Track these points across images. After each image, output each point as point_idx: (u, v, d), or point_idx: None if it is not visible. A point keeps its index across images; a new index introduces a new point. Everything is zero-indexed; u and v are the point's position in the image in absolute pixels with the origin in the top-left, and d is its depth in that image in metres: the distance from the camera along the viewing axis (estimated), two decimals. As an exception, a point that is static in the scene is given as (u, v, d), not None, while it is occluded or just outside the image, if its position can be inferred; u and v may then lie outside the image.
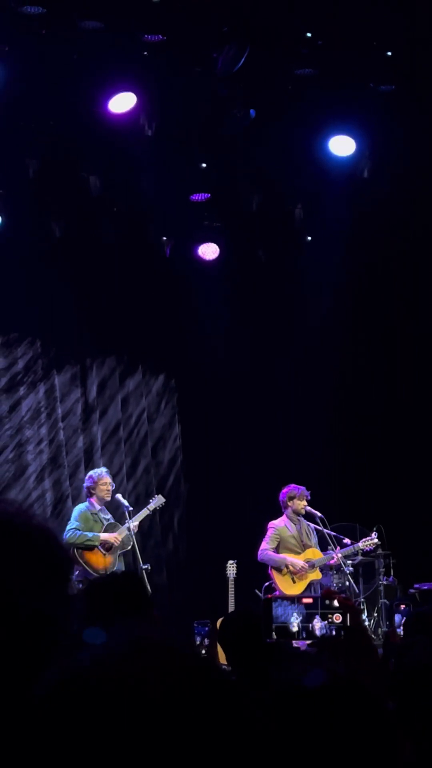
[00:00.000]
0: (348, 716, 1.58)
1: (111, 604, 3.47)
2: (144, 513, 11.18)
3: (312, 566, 11.21)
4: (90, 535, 10.47)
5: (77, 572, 10.55)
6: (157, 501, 11.32)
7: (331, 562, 11.32)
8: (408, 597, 11.73)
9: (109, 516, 10.80)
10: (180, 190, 12.53)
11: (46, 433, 13.22)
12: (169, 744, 1.05)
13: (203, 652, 4.96)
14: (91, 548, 10.47)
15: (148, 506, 11.26)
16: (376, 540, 11.62)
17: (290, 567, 11.12)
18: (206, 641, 5.08)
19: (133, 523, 10.77)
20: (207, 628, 5.25)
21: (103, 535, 10.49)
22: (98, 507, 10.72)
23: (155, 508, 11.35)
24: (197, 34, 10.15)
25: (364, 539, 11.59)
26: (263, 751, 1.10)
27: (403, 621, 5.34)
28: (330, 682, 1.65)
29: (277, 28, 10.16)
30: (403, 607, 5.09)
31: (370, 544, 11.57)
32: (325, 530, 11.26)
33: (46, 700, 1.10)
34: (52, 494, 13.12)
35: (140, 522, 11.04)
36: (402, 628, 5.35)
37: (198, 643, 5.14)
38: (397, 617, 5.04)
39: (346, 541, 11.45)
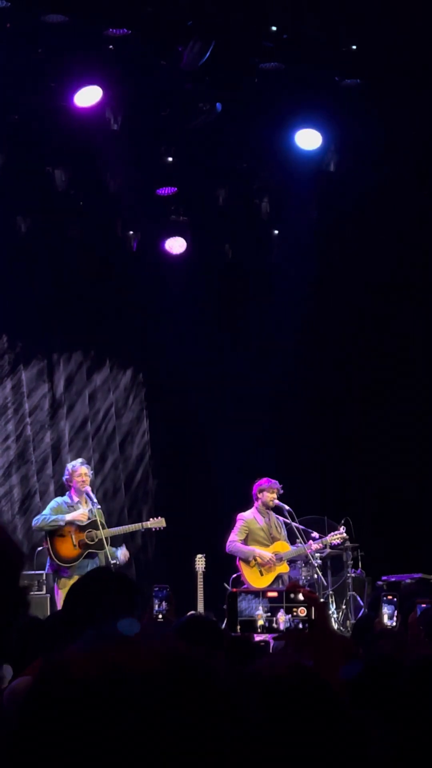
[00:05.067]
0: (305, 706, 1.59)
1: (96, 601, 3.45)
2: (136, 527, 11.17)
3: (280, 559, 11.23)
4: (55, 516, 10.44)
5: (48, 562, 10.54)
6: (157, 522, 11.18)
7: (309, 551, 11.33)
8: (377, 589, 11.78)
9: (89, 508, 10.65)
10: (146, 184, 12.50)
11: (13, 429, 13.16)
12: (154, 726, 1.07)
13: (161, 617, 4.97)
14: (61, 534, 10.41)
15: (145, 523, 11.19)
16: (344, 534, 11.67)
17: (258, 559, 11.14)
18: (164, 605, 5.07)
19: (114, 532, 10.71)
20: (165, 592, 5.24)
21: (69, 516, 10.45)
22: (76, 499, 10.65)
23: (152, 528, 11.25)
24: (162, 28, 10.13)
25: (332, 533, 11.62)
26: (240, 736, 1.12)
27: (394, 611, 5.33)
28: (290, 674, 1.66)
29: (242, 21, 10.16)
30: (390, 597, 5.08)
31: (338, 538, 11.61)
32: (293, 524, 11.28)
33: (31, 690, 1.12)
34: (19, 490, 13.07)
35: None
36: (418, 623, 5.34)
37: (156, 606, 5.12)
38: (389, 608, 5.03)
39: (315, 534, 11.48)
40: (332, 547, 11.75)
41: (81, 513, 10.45)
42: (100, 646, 1.13)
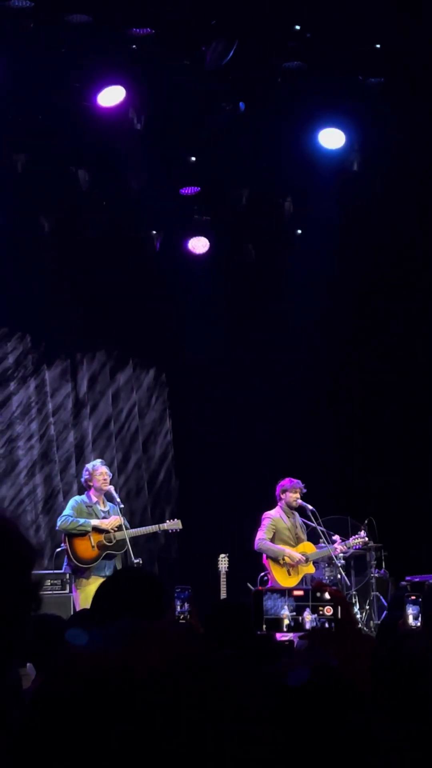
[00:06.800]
0: (328, 709, 1.58)
1: (123, 601, 3.43)
2: (153, 529, 11.18)
3: (307, 560, 11.24)
4: (82, 521, 10.43)
5: (66, 563, 10.55)
6: (173, 524, 11.19)
7: (335, 552, 11.34)
8: (400, 589, 11.72)
9: (107, 509, 10.67)
10: (169, 183, 12.50)
11: (36, 429, 13.20)
12: (159, 726, 1.06)
13: (183, 618, 4.95)
14: (83, 534, 10.41)
15: (161, 525, 11.19)
16: (365, 538, 11.66)
17: (287, 558, 11.13)
18: (186, 606, 5.06)
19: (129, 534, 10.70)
20: (187, 593, 5.24)
21: (95, 521, 10.45)
22: (95, 500, 10.66)
23: (168, 530, 11.26)
24: (186, 27, 10.13)
25: (354, 537, 11.62)
26: (251, 738, 1.11)
27: (418, 612, 5.30)
28: (313, 676, 1.65)
29: (265, 20, 10.14)
30: (414, 597, 5.04)
31: (359, 542, 11.61)
32: (317, 526, 11.26)
33: (43, 685, 1.11)
34: (43, 490, 13.10)
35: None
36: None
37: (178, 607, 5.11)
38: (414, 608, 5.00)
39: (336, 537, 11.48)
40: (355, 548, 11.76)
41: (110, 522, 10.44)
42: (108, 644, 1.13)
